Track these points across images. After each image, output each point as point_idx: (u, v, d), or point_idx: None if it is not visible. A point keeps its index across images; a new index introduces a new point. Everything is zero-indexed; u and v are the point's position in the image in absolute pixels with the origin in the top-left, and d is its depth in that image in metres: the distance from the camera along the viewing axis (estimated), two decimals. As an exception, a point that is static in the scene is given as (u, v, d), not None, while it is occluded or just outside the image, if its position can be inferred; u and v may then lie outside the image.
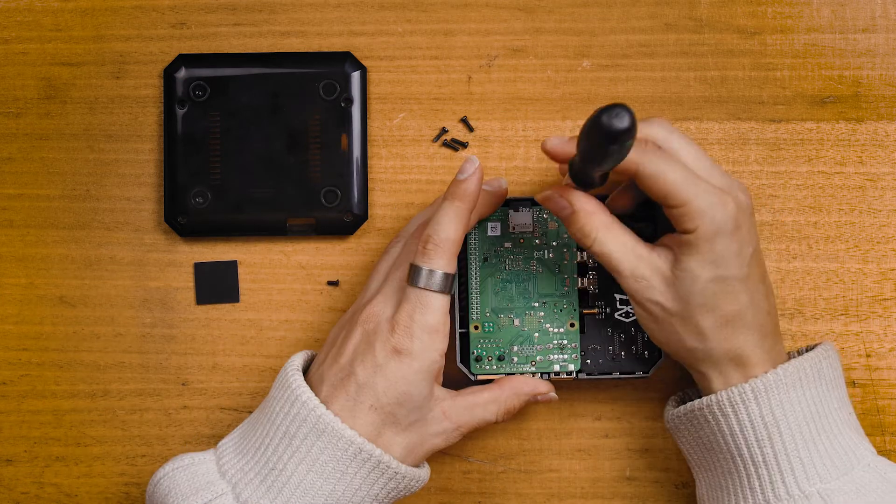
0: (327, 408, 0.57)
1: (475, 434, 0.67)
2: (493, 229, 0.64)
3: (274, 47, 0.68)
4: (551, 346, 0.63)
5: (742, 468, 0.58)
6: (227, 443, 0.59)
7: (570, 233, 0.58)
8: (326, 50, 0.68)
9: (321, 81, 0.67)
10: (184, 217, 0.66)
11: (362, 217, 0.67)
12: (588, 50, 0.68)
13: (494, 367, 0.63)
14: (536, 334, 0.63)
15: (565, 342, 0.63)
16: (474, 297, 0.64)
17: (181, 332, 0.67)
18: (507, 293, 0.64)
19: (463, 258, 0.64)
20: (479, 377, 0.63)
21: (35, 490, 0.67)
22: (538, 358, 0.63)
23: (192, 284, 0.67)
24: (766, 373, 0.57)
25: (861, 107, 0.67)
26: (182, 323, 0.67)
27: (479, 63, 0.68)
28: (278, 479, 0.56)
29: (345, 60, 0.67)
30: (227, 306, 0.67)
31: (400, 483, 0.58)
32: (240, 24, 0.68)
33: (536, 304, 0.64)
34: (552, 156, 0.58)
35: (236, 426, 0.64)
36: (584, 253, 0.64)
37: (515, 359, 0.63)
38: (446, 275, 0.57)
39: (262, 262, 0.67)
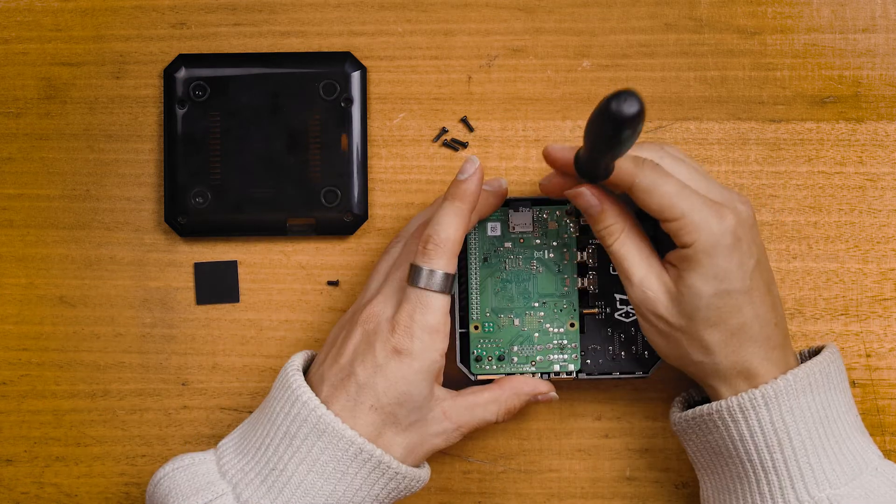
0: (328, 408, 0.57)
1: (475, 434, 0.67)
2: (493, 229, 0.64)
3: (274, 47, 0.68)
4: (551, 346, 0.63)
5: (751, 474, 0.57)
6: (227, 443, 0.59)
7: (594, 230, 0.59)
8: (326, 50, 0.68)
9: (321, 81, 0.67)
10: (184, 217, 0.66)
11: (362, 217, 0.67)
12: (588, 50, 0.68)
13: (494, 367, 0.63)
14: (536, 334, 0.63)
15: (565, 342, 0.63)
16: (474, 297, 0.64)
17: (181, 332, 0.67)
18: (507, 293, 0.64)
19: (463, 258, 0.64)
20: (480, 377, 0.63)
21: (35, 490, 0.67)
22: (538, 358, 0.63)
23: (192, 284, 0.67)
24: (775, 378, 0.57)
25: (861, 107, 0.67)
26: (182, 323, 0.67)
27: (479, 63, 0.68)
28: (279, 479, 0.56)
29: (345, 60, 0.67)
30: (227, 306, 0.67)
31: (400, 483, 0.58)
32: (240, 24, 0.68)
33: (536, 304, 0.64)
34: (552, 161, 0.59)
35: (236, 426, 0.64)
36: (585, 253, 0.64)
37: (515, 359, 0.63)
38: (447, 275, 0.57)
39: (262, 262, 0.67)
